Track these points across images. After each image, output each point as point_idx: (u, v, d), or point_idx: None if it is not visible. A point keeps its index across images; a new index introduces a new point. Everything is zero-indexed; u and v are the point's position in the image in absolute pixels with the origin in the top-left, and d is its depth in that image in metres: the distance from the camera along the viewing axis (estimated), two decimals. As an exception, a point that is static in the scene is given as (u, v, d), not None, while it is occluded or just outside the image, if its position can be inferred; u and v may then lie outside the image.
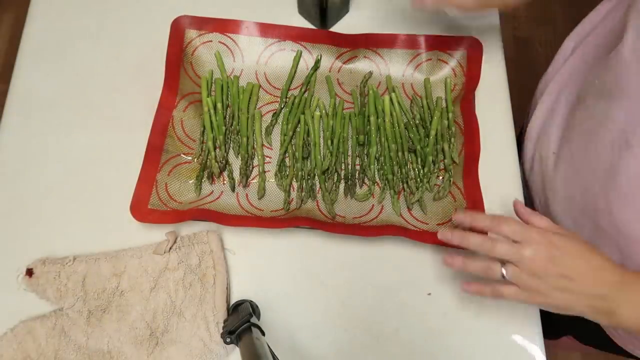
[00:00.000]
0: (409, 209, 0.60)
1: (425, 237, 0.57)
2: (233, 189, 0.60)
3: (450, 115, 0.64)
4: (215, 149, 0.61)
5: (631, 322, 0.44)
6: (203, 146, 0.62)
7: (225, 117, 0.64)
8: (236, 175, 0.61)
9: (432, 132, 0.63)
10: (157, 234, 0.58)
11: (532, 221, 0.49)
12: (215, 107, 0.63)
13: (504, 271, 0.46)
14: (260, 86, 0.66)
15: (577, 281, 0.45)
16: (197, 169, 0.61)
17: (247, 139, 0.63)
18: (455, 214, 0.52)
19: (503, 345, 0.56)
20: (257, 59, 0.66)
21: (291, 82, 0.66)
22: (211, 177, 0.60)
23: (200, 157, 0.61)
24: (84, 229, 0.59)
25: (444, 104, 0.65)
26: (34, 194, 0.60)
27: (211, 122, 0.62)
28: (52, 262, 0.55)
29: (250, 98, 0.65)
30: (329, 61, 0.67)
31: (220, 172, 0.61)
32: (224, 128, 0.62)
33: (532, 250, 0.45)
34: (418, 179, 0.61)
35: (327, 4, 0.64)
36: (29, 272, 0.55)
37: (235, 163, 0.62)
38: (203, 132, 0.62)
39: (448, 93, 0.65)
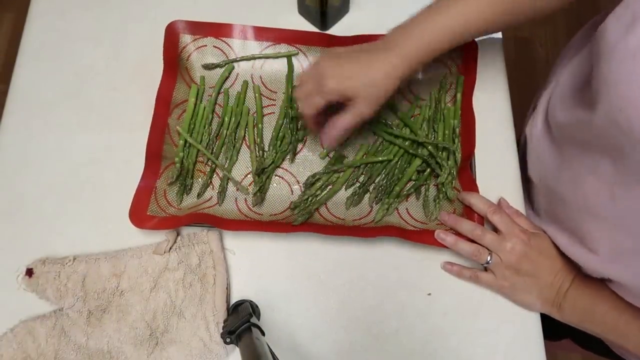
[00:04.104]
0: (408, 210, 0.61)
1: (424, 237, 0.57)
2: (223, 197, 0.60)
3: (458, 114, 0.64)
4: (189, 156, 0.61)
5: (572, 316, 0.53)
6: (186, 151, 0.61)
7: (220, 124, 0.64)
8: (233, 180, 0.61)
9: (440, 134, 0.63)
10: (157, 234, 0.58)
11: (516, 221, 0.57)
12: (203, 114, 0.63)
13: (488, 258, 0.55)
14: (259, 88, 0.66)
15: (540, 278, 0.54)
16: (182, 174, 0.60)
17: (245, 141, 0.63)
18: (441, 214, 0.59)
19: (503, 345, 0.56)
20: (253, 63, 0.66)
21: (291, 91, 0.65)
22: (190, 184, 0.60)
23: (180, 163, 0.60)
24: (84, 229, 0.59)
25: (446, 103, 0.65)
26: (34, 194, 0.60)
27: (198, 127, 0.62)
28: (52, 262, 0.55)
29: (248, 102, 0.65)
30: None
31: (210, 178, 0.61)
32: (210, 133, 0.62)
33: (512, 244, 0.54)
34: (420, 180, 0.61)
35: (327, 4, 0.64)
36: (29, 272, 0.55)
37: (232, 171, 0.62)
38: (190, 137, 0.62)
39: (459, 91, 0.65)
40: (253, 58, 0.66)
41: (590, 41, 0.50)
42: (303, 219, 0.57)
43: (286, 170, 0.62)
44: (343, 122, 0.53)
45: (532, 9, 0.52)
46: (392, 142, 0.63)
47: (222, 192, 0.59)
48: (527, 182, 0.64)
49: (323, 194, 0.61)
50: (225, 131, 0.63)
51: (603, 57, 0.39)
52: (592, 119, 0.42)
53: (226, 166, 0.61)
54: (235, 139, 0.63)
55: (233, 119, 0.63)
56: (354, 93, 0.51)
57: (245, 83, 0.66)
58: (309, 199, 0.59)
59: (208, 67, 0.65)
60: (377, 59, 0.51)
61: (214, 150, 0.62)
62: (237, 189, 0.61)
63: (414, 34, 0.51)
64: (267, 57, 0.66)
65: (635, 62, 0.36)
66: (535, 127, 0.59)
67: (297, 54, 0.66)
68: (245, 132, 0.64)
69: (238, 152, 0.63)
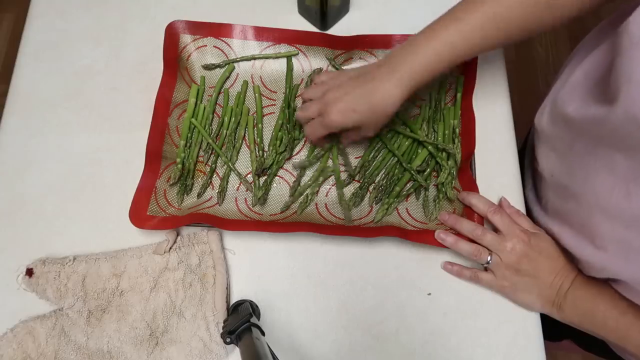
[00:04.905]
0: (408, 210, 0.61)
1: (424, 237, 0.57)
2: (223, 196, 0.60)
3: (458, 114, 0.64)
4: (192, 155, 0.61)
5: (572, 316, 0.53)
6: (187, 151, 0.61)
7: (218, 124, 0.64)
8: (234, 182, 0.61)
9: (440, 134, 0.63)
10: (157, 234, 0.58)
11: (516, 221, 0.57)
12: (204, 114, 0.63)
13: (489, 258, 0.55)
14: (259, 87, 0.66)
15: (541, 278, 0.54)
16: (182, 174, 0.60)
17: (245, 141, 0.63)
18: (441, 214, 0.59)
19: (503, 345, 0.56)
20: (253, 63, 0.66)
21: (290, 91, 0.65)
22: (191, 184, 0.60)
23: (182, 163, 0.60)
24: (84, 229, 0.59)
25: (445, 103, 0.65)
26: (34, 194, 0.60)
27: (197, 127, 0.62)
28: (52, 262, 0.55)
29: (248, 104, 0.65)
30: (324, 63, 0.67)
31: (210, 178, 0.61)
32: (211, 131, 0.63)
33: (512, 244, 0.54)
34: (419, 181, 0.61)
35: (327, 4, 0.64)
36: (29, 272, 0.55)
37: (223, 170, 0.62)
38: (190, 137, 0.62)
39: (459, 91, 0.65)
40: (253, 58, 0.66)
41: (607, 38, 0.50)
42: (302, 209, 0.58)
43: (286, 170, 0.62)
44: (350, 138, 0.60)
45: (523, 30, 0.52)
46: (395, 130, 0.63)
47: (222, 192, 0.59)
48: (535, 178, 0.64)
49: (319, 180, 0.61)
50: (225, 131, 0.63)
51: (625, 53, 0.38)
52: (609, 115, 0.42)
53: (229, 159, 0.61)
54: (235, 139, 0.63)
55: (233, 119, 0.63)
56: (358, 124, 0.55)
57: (245, 83, 0.66)
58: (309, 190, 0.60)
59: (208, 67, 0.65)
60: (378, 88, 0.52)
61: (214, 150, 0.62)
62: (238, 189, 0.61)
63: (412, 58, 0.52)
64: (267, 57, 0.66)
65: None
66: (545, 121, 0.59)
67: (297, 54, 0.66)
68: (245, 132, 0.64)
69: (238, 152, 0.63)
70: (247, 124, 0.64)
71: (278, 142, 0.62)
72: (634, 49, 0.37)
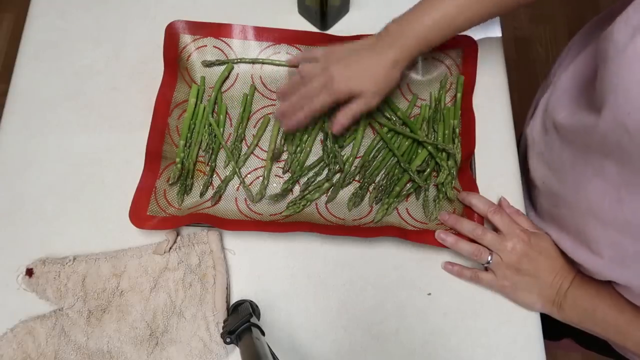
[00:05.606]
0: (408, 210, 0.61)
1: (424, 237, 0.57)
2: (220, 195, 0.60)
3: (458, 114, 0.64)
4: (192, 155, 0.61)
5: (572, 315, 0.53)
6: (186, 151, 0.61)
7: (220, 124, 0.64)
8: (234, 183, 0.61)
9: (440, 134, 0.63)
10: (157, 234, 0.58)
11: (516, 220, 0.57)
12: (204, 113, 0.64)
13: (489, 258, 0.55)
14: (255, 88, 0.66)
15: (541, 277, 0.54)
16: (183, 174, 0.60)
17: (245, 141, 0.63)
18: (441, 214, 0.59)
19: (503, 345, 0.56)
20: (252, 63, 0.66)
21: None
22: (190, 184, 0.60)
23: (181, 163, 0.60)
24: (84, 229, 0.59)
25: (446, 103, 0.65)
26: (34, 194, 0.60)
27: (197, 127, 0.63)
28: (52, 262, 0.55)
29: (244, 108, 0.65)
30: None
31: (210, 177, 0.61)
32: (208, 132, 0.63)
33: (512, 244, 0.54)
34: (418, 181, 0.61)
35: (327, 4, 0.64)
36: (29, 272, 0.55)
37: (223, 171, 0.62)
38: (190, 137, 0.62)
39: (459, 91, 0.65)
40: (253, 62, 0.66)
41: (593, 42, 0.50)
42: (293, 212, 0.58)
43: (279, 167, 0.62)
44: (352, 111, 0.56)
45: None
46: (395, 130, 0.63)
47: (217, 193, 0.59)
48: (529, 185, 0.64)
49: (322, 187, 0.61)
50: (221, 129, 0.63)
51: (611, 60, 0.39)
52: (598, 122, 0.42)
53: (236, 163, 0.61)
54: (240, 141, 0.63)
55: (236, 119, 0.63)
56: (361, 90, 0.55)
57: (252, 88, 0.66)
58: (306, 196, 0.60)
59: (207, 64, 0.65)
60: (378, 57, 0.54)
61: (213, 149, 0.62)
62: (238, 189, 0.61)
63: (411, 29, 0.54)
64: (263, 62, 0.66)
65: None
66: (536, 129, 0.59)
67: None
68: (245, 132, 0.64)
69: (246, 159, 0.62)
70: (247, 125, 0.64)
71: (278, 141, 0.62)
72: (619, 56, 0.37)
